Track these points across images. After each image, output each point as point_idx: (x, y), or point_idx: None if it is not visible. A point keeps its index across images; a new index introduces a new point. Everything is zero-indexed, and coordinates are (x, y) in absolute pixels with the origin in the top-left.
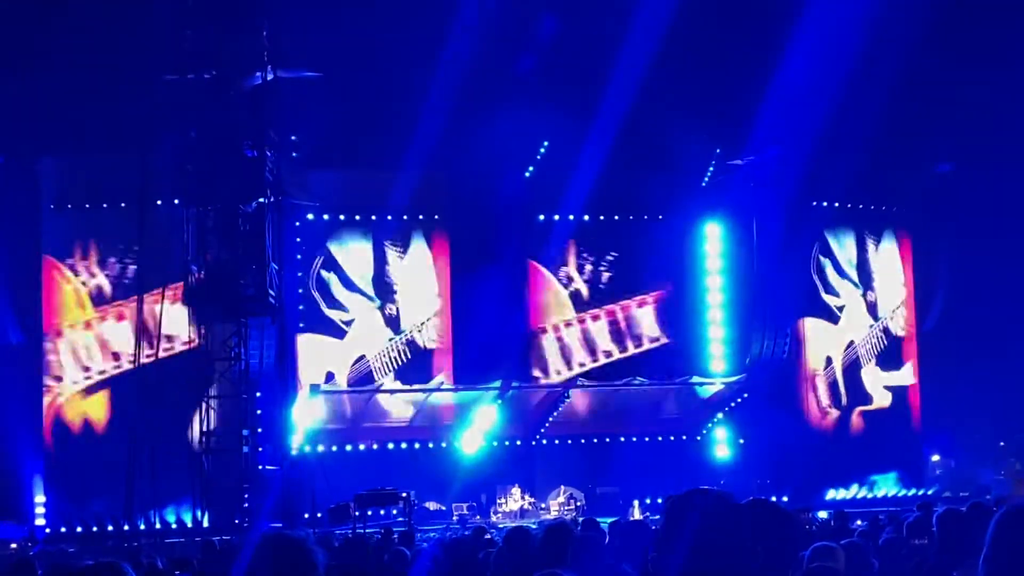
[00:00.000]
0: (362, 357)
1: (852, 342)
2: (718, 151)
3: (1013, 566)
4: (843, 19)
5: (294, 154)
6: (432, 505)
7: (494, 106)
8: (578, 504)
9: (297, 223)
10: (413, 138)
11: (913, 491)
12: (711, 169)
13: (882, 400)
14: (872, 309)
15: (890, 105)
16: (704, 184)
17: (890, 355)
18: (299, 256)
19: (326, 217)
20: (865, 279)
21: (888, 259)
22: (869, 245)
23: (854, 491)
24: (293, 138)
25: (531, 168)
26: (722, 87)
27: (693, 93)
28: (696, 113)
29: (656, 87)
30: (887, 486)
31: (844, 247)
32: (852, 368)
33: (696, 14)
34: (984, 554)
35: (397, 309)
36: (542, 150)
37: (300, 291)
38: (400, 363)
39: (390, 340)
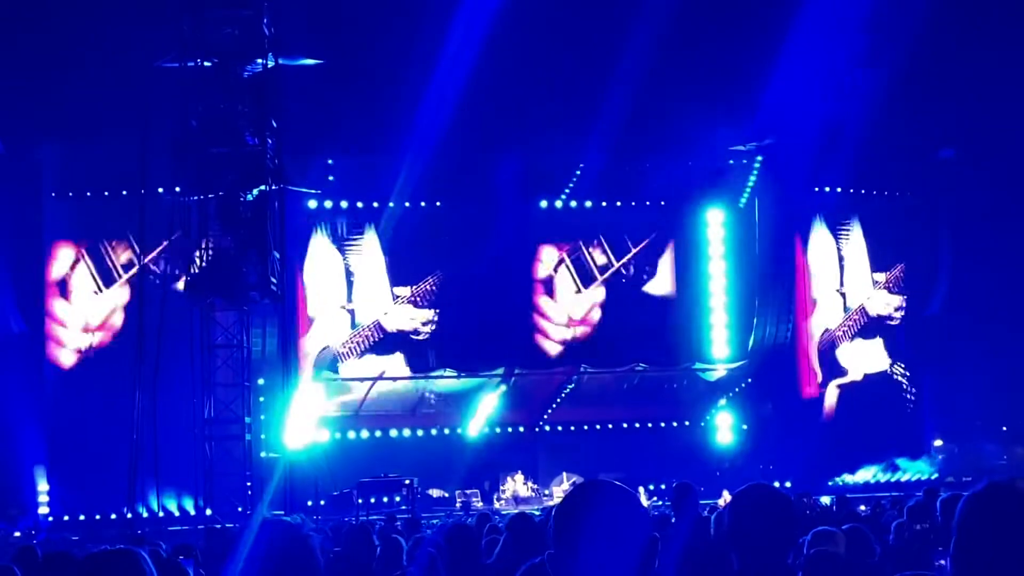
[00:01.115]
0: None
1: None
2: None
3: (981, 552)
4: (846, 4)
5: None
6: (435, 492)
7: (495, 92)
8: None
9: (311, 209)
10: (415, 124)
11: (917, 476)
12: (731, 161)
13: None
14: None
15: (892, 91)
16: (722, 175)
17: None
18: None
19: (328, 204)
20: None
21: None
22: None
23: (861, 475)
24: (316, 123)
25: (564, 193)
26: (726, 73)
27: (697, 79)
28: (700, 99)
29: (661, 72)
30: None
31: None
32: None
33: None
34: (953, 542)
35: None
36: (572, 182)
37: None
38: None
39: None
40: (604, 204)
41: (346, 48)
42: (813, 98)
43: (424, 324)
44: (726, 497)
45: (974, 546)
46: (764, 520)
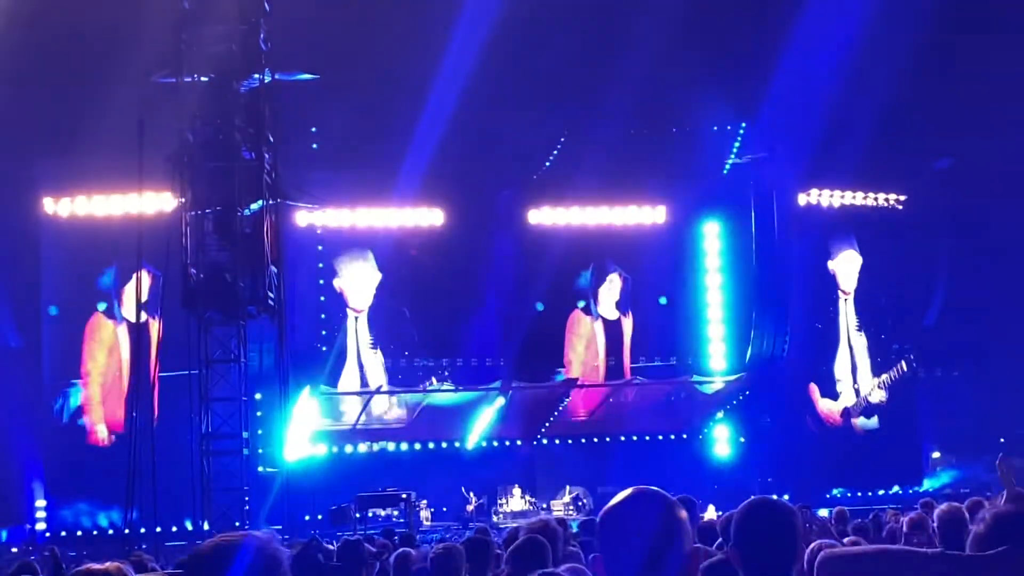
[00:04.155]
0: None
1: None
2: (738, 137)
3: None
4: (842, 14)
5: (314, 145)
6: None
7: (494, 104)
8: (581, 503)
9: (318, 229)
10: (414, 138)
11: (915, 488)
12: (731, 159)
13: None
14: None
15: (888, 101)
16: (724, 172)
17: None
18: (321, 265)
19: (325, 218)
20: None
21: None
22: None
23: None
24: (314, 138)
25: (548, 161)
26: (724, 86)
27: (695, 93)
28: (698, 110)
29: (658, 85)
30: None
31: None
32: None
33: (699, 9)
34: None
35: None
36: (554, 154)
37: (322, 298)
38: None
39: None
40: (602, 216)
41: (345, 61)
42: (809, 109)
43: None
44: (711, 512)
45: None
46: (770, 534)
